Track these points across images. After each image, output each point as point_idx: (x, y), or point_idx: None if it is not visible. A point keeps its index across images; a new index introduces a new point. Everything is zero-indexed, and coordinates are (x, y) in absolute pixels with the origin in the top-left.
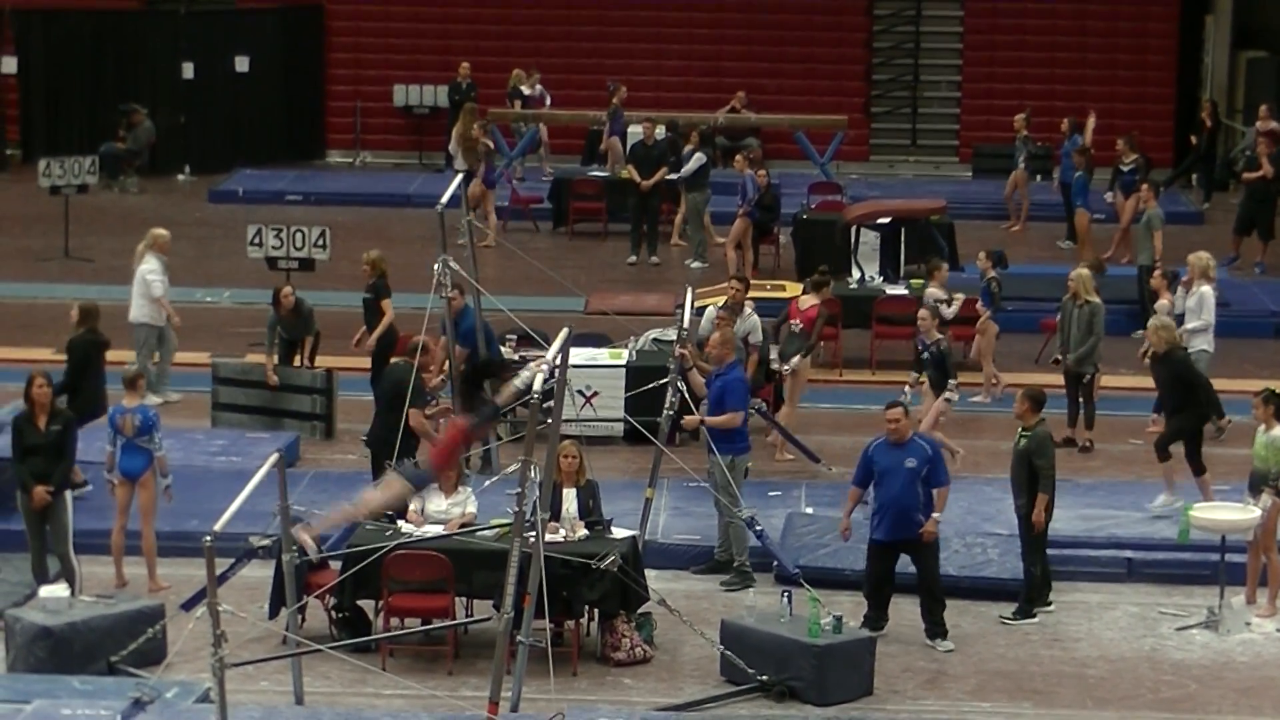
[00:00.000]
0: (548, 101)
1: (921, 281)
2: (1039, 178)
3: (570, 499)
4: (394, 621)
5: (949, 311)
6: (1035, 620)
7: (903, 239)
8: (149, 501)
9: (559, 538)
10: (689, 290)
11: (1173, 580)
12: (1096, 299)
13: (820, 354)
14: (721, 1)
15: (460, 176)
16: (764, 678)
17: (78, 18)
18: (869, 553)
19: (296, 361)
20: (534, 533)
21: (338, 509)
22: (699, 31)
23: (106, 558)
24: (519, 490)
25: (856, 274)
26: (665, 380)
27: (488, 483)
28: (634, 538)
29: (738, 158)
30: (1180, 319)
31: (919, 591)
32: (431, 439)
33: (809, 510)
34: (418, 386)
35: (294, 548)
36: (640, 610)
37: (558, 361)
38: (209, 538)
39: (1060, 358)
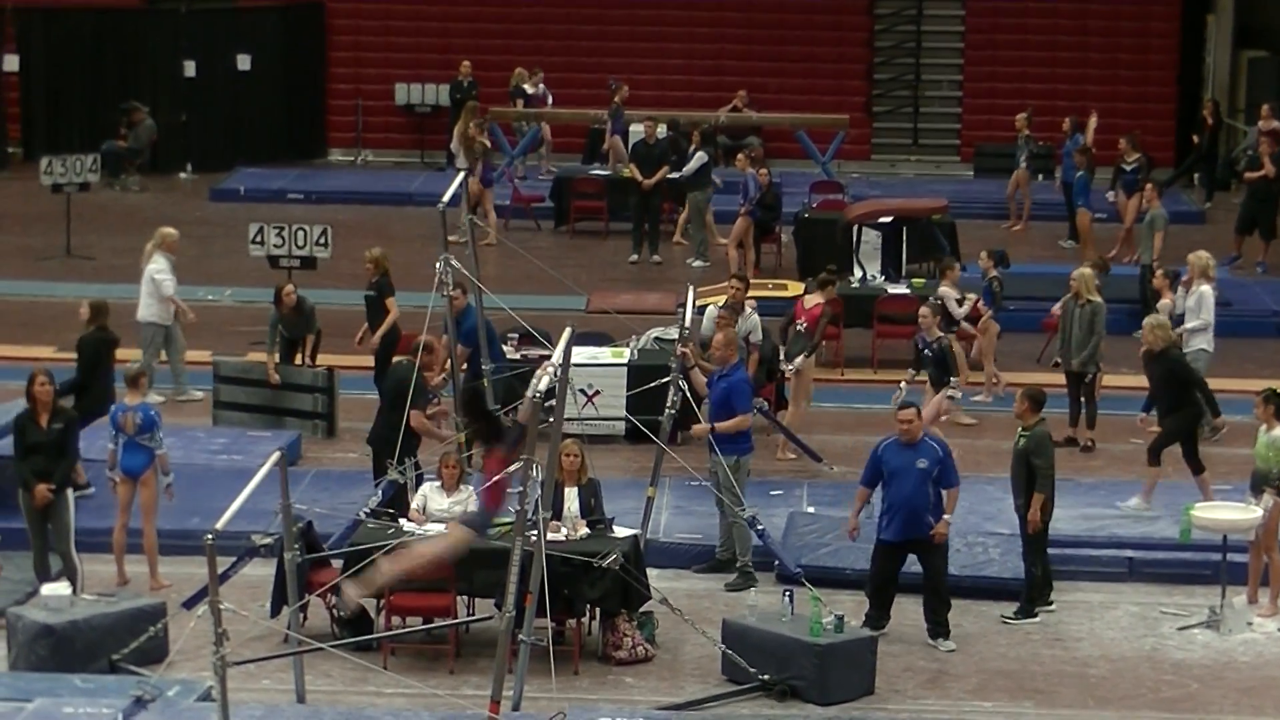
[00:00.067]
0: (549, 101)
1: (923, 281)
2: (1040, 177)
3: (572, 498)
4: (395, 620)
5: (961, 311)
6: (1036, 620)
7: (904, 238)
8: (150, 499)
9: (560, 536)
10: (690, 289)
11: (1174, 580)
12: (1098, 298)
13: (823, 353)
14: (723, 0)
15: (461, 175)
16: (765, 677)
17: (79, 16)
18: (876, 552)
19: (298, 360)
20: (535, 531)
21: (394, 562)
22: (700, 30)
23: (108, 556)
24: (520, 489)
25: (858, 273)
26: (667, 379)
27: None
28: (635, 536)
29: (739, 157)
30: (1181, 319)
31: (925, 591)
32: (435, 437)
33: (811, 509)
34: (419, 386)
35: (295, 546)
36: (642, 609)
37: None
38: (210, 536)
39: (1059, 360)
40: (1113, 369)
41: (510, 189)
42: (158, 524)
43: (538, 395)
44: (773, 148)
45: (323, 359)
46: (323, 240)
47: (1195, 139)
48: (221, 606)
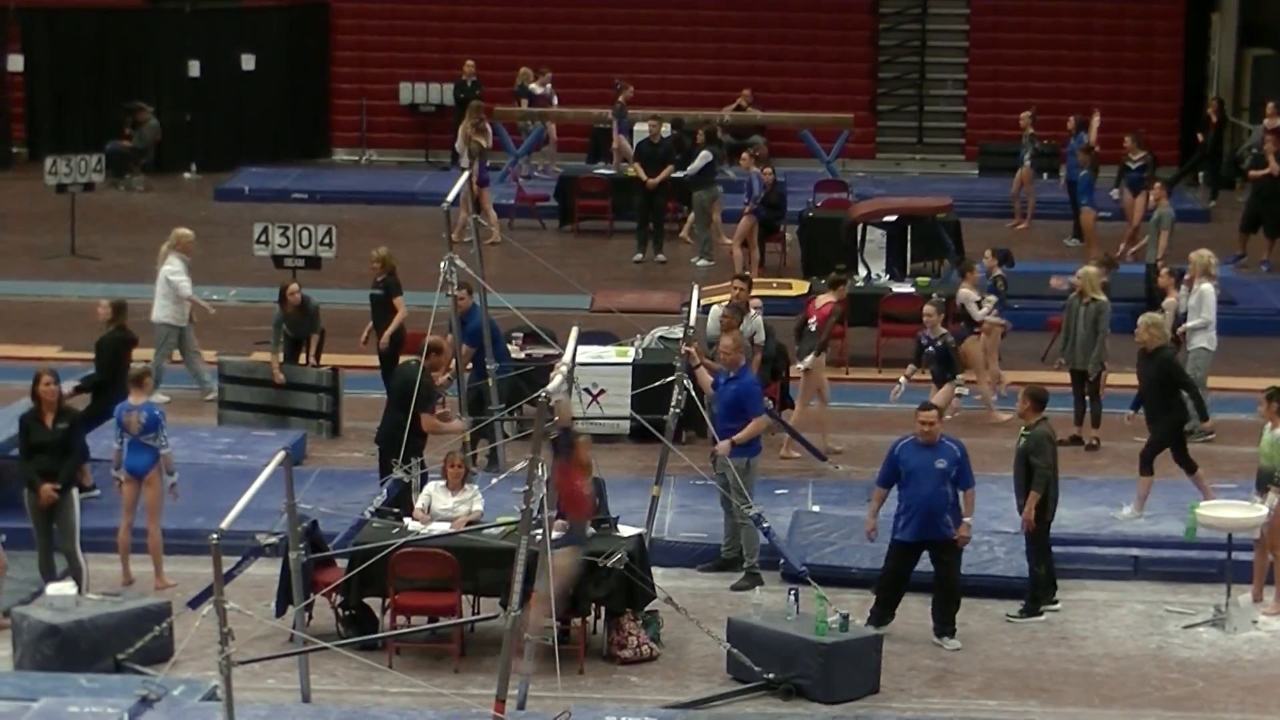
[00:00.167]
0: (554, 101)
1: (928, 279)
2: (1045, 175)
3: None
4: (400, 619)
5: (981, 313)
6: (1041, 618)
7: (909, 237)
8: (155, 499)
9: None
10: (695, 288)
11: (1179, 578)
12: (1103, 297)
13: (829, 352)
14: None
15: (466, 174)
16: (770, 676)
17: (83, 16)
18: (891, 552)
19: (301, 360)
20: (541, 530)
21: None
22: (704, 29)
23: (113, 555)
24: (526, 488)
25: (862, 272)
26: (671, 378)
27: (494, 480)
28: (640, 535)
29: (744, 156)
30: (1185, 317)
31: (936, 590)
32: (448, 432)
33: (816, 508)
34: (428, 387)
35: (300, 545)
36: (647, 608)
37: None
38: (215, 535)
39: (1064, 359)
40: (1118, 367)
41: (514, 188)
42: (162, 523)
43: (543, 392)
44: (777, 147)
45: (327, 358)
46: (327, 240)
47: (1200, 137)
48: (226, 606)
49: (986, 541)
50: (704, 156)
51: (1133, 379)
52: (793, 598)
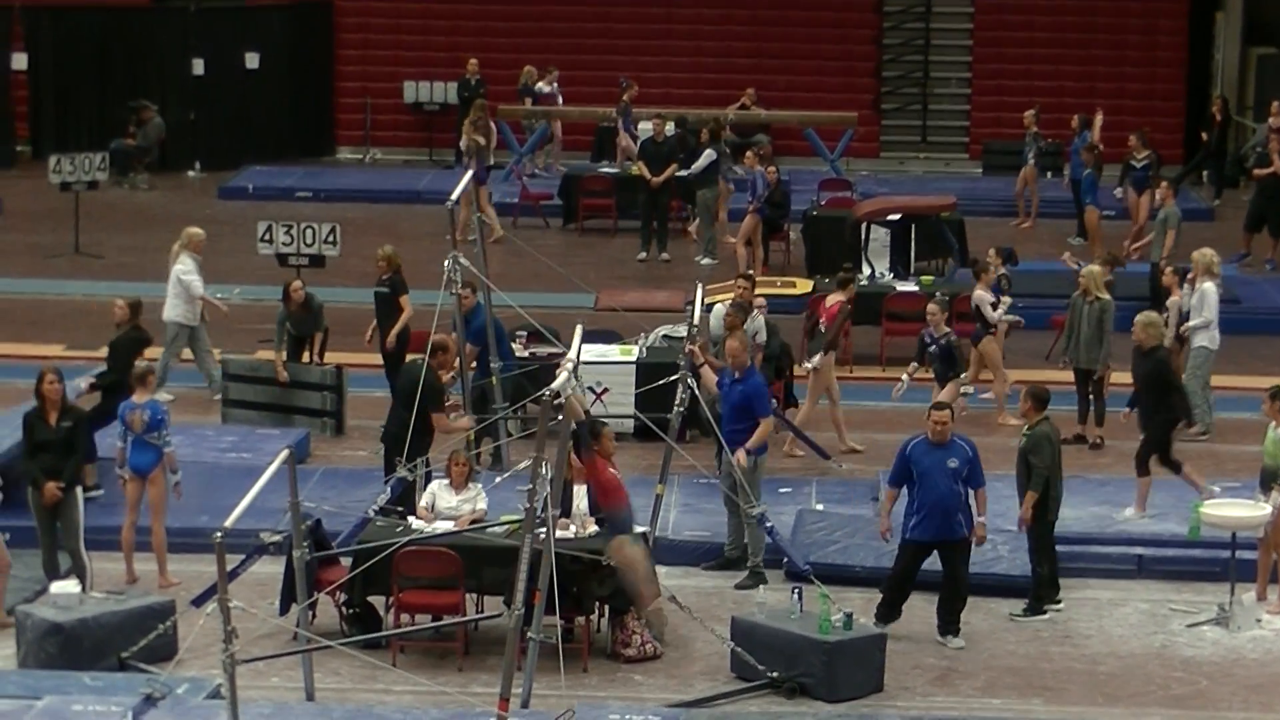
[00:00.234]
0: (559, 100)
1: (931, 278)
2: (1049, 174)
3: (581, 495)
4: (404, 618)
5: (996, 315)
6: (1045, 617)
7: (913, 236)
8: (159, 497)
9: (569, 534)
10: (699, 287)
11: (1183, 577)
12: (1107, 296)
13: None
14: None
15: (470, 173)
16: (774, 674)
17: (87, 14)
18: (903, 551)
19: (305, 358)
20: (544, 529)
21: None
22: (708, 28)
23: (117, 554)
24: (530, 486)
25: (866, 271)
26: (675, 377)
27: (498, 479)
28: (644, 534)
29: (748, 154)
30: (1189, 316)
31: (944, 589)
32: (458, 430)
33: (819, 507)
34: (437, 387)
35: (304, 543)
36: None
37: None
38: (219, 534)
39: (1066, 359)
40: (1121, 366)
41: (518, 187)
42: (166, 522)
43: (548, 390)
44: (781, 145)
45: (331, 357)
46: (331, 238)
47: (1204, 136)
48: (230, 604)
49: (990, 540)
50: (708, 155)
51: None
52: (796, 596)
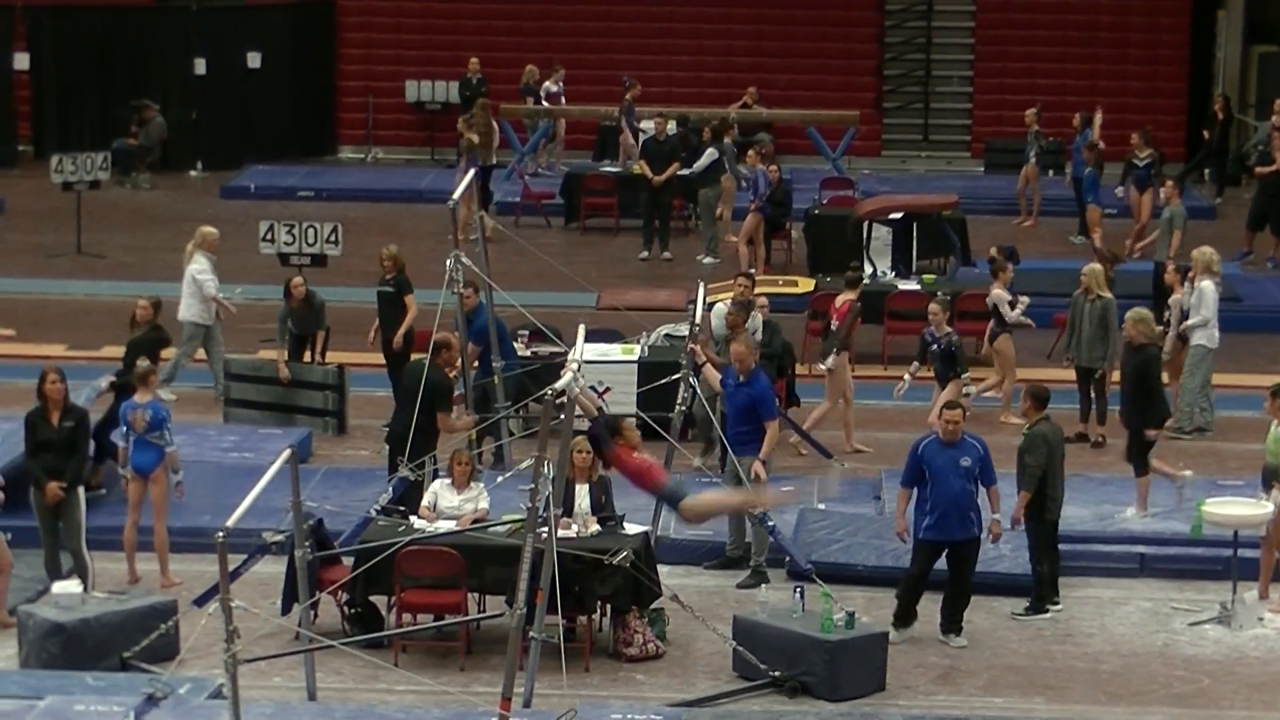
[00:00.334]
0: (562, 99)
1: (933, 277)
2: (1050, 173)
3: (583, 494)
4: (406, 617)
5: (1014, 314)
6: (1047, 616)
7: (914, 234)
8: (161, 497)
9: (571, 533)
10: (701, 286)
11: (1185, 575)
12: (1109, 294)
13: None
14: None
15: (472, 172)
16: (776, 673)
17: (89, 14)
18: (919, 552)
19: (306, 357)
20: (546, 528)
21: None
22: (709, 26)
23: (119, 553)
24: (532, 486)
25: (868, 269)
26: (677, 376)
27: (500, 478)
28: (646, 533)
29: (750, 153)
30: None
31: (950, 588)
32: (461, 428)
33: (821, 505)
34: (445, 385)
35: (306, 543)
36: (653, 606)
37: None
38: (221, 533)
39: (1069, 357)
40: None
41: (520, 186)
42: (168, 521)
43: (550, 392)
44: (783, 144)
45: (333, 356)
46: (333, 238)
47: (1206, 134)
48: (232, 604)
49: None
50: (710, 154)
51: None
52: (798, 595)
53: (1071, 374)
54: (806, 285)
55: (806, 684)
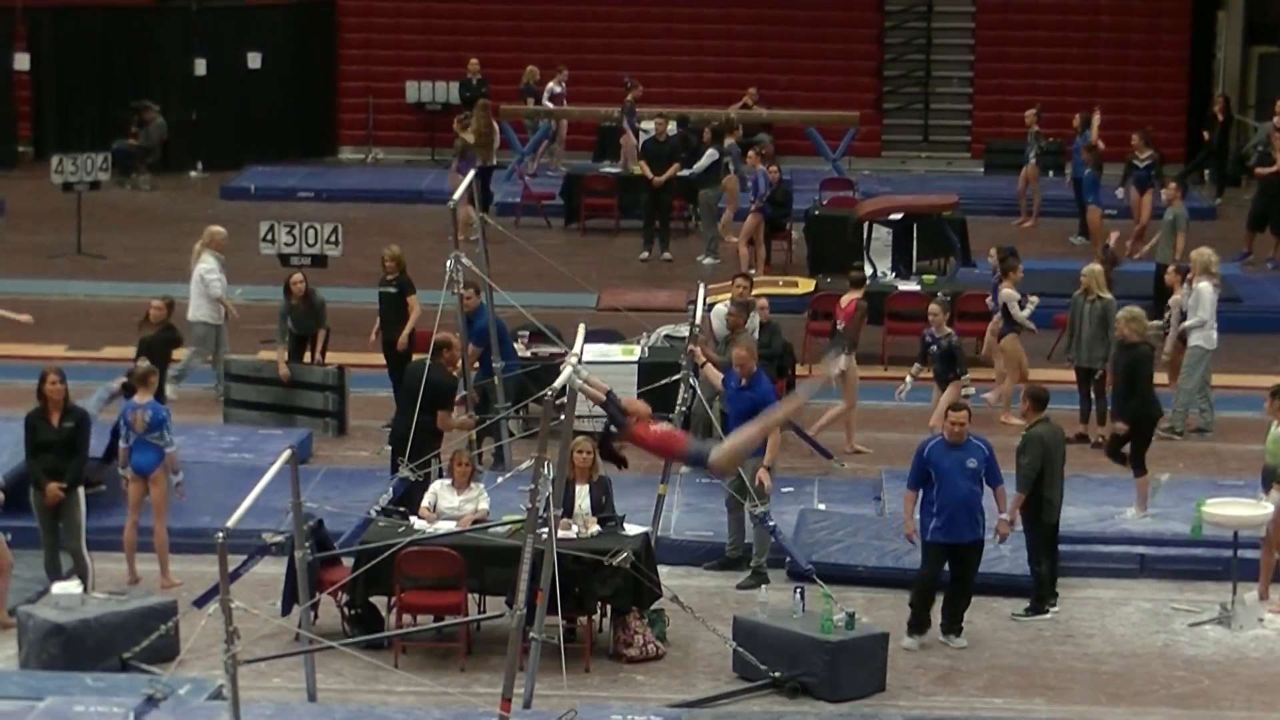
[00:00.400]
0: (564, 101)
1: (934, 277)
2: (1050, 173)
3: (583, 495)
4: (406, 618)
5: (1023, 314)
6: (1047, 617)
7: (914, 235)
8: (161, 498)
9: (571, 534)
10: (701, 286)
11: (1185, 576)
12: (1109, 295)
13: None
14: None
15: (473, 172)
16: (776, 674)
17: (89, 14)
18: (929, 556)
19: (307, 357)
20: (546, 529)
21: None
22: (710, 27)
23: (119, 554)
24: (532, 486)
25: (869, 270)
26: (677, 377)
27: (500, 479)
28: (646, 534)
29: (750, 154)
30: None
31: (951, 588)
32: (463, 426)
33: (822, 506)
34: (448, 384)
35: (306, 544)
36: (653, 607)
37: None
38: (221, 534)
39: (1070, 358)
40: None
41: (520, 186)
42: (168, 522)
43: (550, 392)
44: (783, 145)
45: (333, 357)
46: (333, 238)
47: (1205, 135)
48: (232, 605)
49: (991, 539)
50: (710, 154)
51: None
52: (798, 596)
53: (1072, 374)
54: (807, 286)
55: (807, 685)
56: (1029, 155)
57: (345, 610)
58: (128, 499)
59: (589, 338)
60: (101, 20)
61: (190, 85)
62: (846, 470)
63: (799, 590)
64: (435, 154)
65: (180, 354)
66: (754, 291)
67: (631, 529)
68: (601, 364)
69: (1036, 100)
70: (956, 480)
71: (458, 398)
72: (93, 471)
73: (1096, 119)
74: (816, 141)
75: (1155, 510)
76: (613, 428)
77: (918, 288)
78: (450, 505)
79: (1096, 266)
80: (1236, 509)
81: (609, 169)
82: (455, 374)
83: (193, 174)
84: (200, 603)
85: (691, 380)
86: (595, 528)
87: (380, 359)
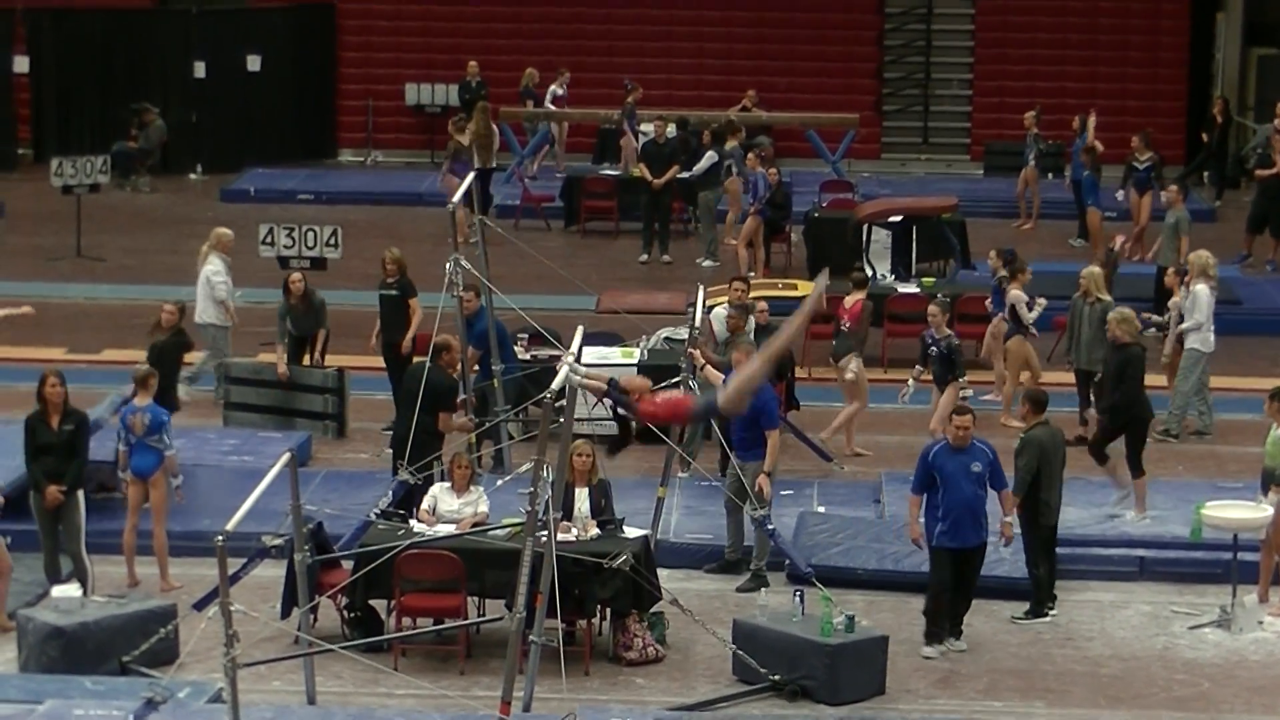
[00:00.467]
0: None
1: (933, 280)
2: (1050, 175)
3: (583, 498)
4: (406, 621)
5: (1031, 316)
6: (1047, 620)
7: (914, 237)
8: (160, 501)
9: (571, 537)
10: (701, 289)
11: (1185, 579)
12: (1108, 297)
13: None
14: None
15: (473, 175)
16: (776, 677)
17: (89, 17)
18: (938, 561)
19: (306, 361)
20: (546, 532)
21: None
22: (710, 29)
23: (119, 557)
24: (531, 489)
25: (868, 272)
26: (677, 379)
27: (500, 482)
28: (646, 537)
29: (749, 156)
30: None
31: (955, 591)
32: (464, 428)
33: (821, 509)
34: (448, 385)
35: (306, 547)
36: (652, 609)
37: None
38: (221, 537)
39: (1069, 360)
40: None
41: (520, 189)
42: (168, 525)
43: (549, 395)
44: (783, 147)
45: (332, 359)
46: (333, 241)
47: (1205, 137)
48: (232, 608)
49: (991, 543)
50: (710, 156)
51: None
52: (798, 599)
53: (1071, 377)
54: (806, 288)
55: (806, 688)
56: (1028, 157)
57: (345, 613)
58: (127, 502)
59: (588, 340)
60: (101, 22)
61: (190, 87)
62: (846, 473)
63: (799, 593)
64: (435, 156)
65: (193, 358)
66: (752, 295)
67: (631, 532)
68: (601, 366)
69: (1036, 102)
70: (962, 484)
71: (458, 400)
72: (108, 477)
73: (1092, 121)
74: (816, 144)
75: (1155, 512)
76: (621, 411)
77: (917, 290)
78: (450, 508)
79: (1095, 269)
80: (1236, 511)
81: (609, 171)
82: (455, 375)
83: (192, 176)
84: (200, 606)
85: (691, 382)
86: (595, 530)
87: (379, 361)
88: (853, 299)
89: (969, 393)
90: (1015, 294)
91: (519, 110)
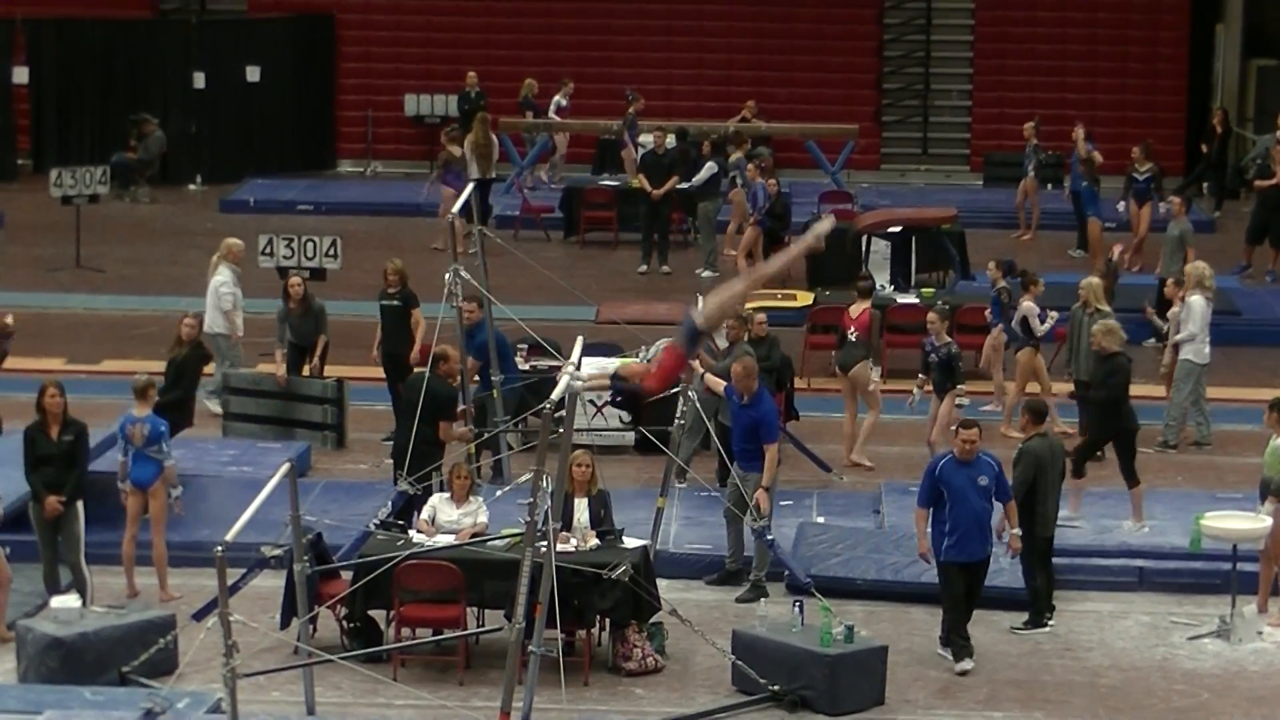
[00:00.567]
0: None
1: (933, 290)
2: (1049, 186)
3: (582, 508)
4: (405, 631)
5: (1043, 328)
6: (1046, 630)
7: (914, 248)
8: (159, 511)
9: (570, 547)
10: (700, 299)
11: (1184, 589)
12: (1107, 307)
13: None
14: (732, 10)
15: (472, 185)
16: (776, 687)
17: (89, 27)
18: (949, 575)
19: (305, 370)
20: (545, 542)
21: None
22: (709, 40)
23: (118, 568)
24: (531, 500)
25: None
26: (676, 390)
27: (499, 492)
28: (645, 547)
29: (749, 166)
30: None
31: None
32: (463, 438)
33: (820, 520)
34: (448, 394)
35: (305, 557)
36: (652, 620)
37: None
38: (220, 547)
39: (1069, 371)
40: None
41: (520, 199)
42: (167, 535)
43: (549, 402)
44: (782, 157)
45: (332, 369)
46: (332, 251)
47: (1204, 147)
48: (231, 618)
49: (991, 553)
50: (709, 167)
51: (1139, 390)
52: (797, 609)
53: (1067, 386)
54: (805, 298)
55: (806, 698)
56: (1028, 168)
57: (344, 623)
58: (126, 512)
59: (588, 350)
60: (101, 33)
61: (190, 98)
62: (845, 484)
63: (798, 604)
64: (434, 167)
65: (211, 369)
66: (751, 305)
67: (630, 542)
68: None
69: (1035, 113)
70: (969, 498)
71: (459, 411)
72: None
73: (1079, 133)
74: (816, 154)
75: (1154, 522)
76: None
77: (916, 300)
78: (449, 518)
79: (1095, 280)
80: (1235, 522)
81: (608, 181)
82: (454, 385)
83: (192, 187)
84: (199, 616)
85: (690, 391)
86: (594, 541)
87: (379, 372)
88: (859, 308)
89: (965, 402)
90: (1028, 305)
91: (518, 121)
